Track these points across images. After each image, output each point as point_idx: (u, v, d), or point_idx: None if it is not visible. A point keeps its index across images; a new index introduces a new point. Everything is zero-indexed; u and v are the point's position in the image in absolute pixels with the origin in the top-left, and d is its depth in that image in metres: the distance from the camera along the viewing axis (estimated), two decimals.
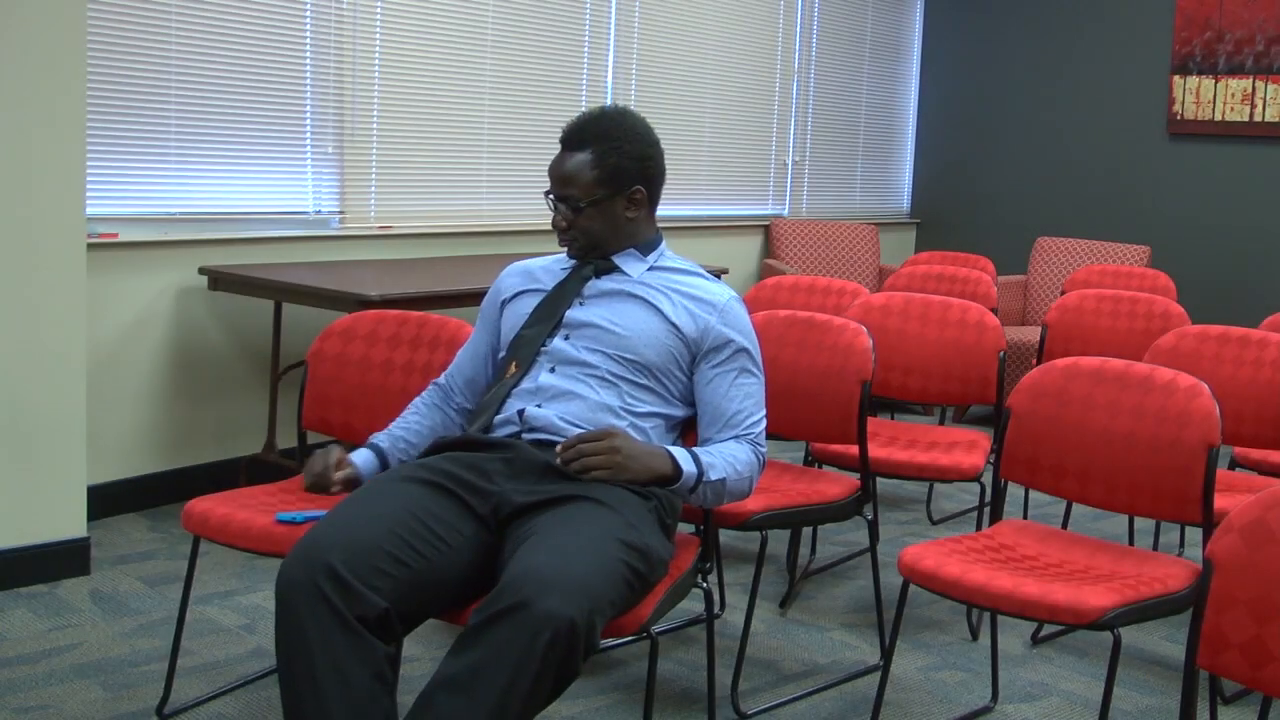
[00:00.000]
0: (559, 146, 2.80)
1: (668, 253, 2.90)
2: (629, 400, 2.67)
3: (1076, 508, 4.51)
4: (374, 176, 5.31)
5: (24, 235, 3.73)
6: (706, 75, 6.95)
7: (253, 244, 4.87)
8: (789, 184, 7.71)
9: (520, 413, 2.64)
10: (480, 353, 2.92)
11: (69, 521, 3.93)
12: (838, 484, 3.42)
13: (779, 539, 4.39)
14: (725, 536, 4.43)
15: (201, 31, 4.69)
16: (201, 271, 4.62)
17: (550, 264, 2.91)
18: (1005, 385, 3.99)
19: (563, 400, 2.65)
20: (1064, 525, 4.28)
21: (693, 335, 2.72)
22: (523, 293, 2.86)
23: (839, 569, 4.41)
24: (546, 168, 2.81)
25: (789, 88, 7.58)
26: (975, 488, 4.47)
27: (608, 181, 2.73)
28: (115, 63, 4.46)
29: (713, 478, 2.61)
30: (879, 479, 3.94)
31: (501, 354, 2.83)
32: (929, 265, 5.62)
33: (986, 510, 3.72)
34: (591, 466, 2.49)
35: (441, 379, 2.95)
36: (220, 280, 4.57)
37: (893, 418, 5.34)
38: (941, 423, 5.28)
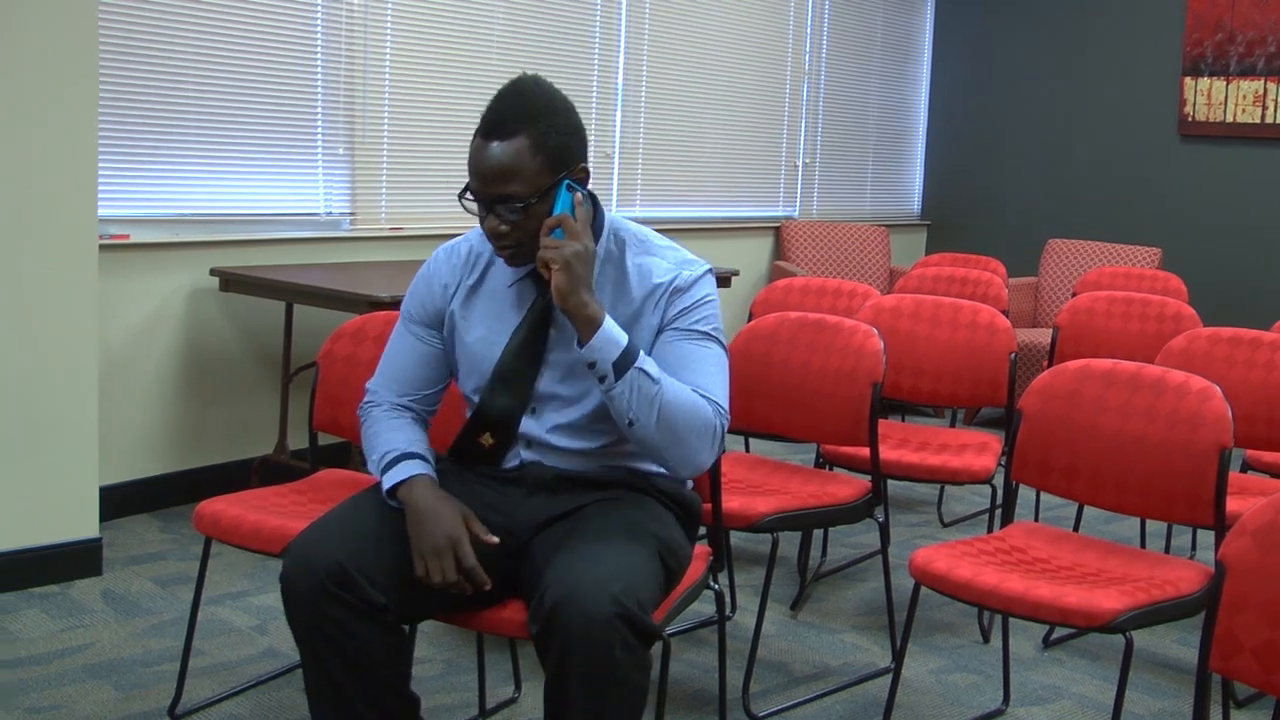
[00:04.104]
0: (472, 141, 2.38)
1: (618, 229, 2.49)
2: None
3: (1088, 510, 4.50)
4: (385, 178, 5.32)
5: (36, 237, 3.74)
6: (717, 77, 6.95)
7: (264, 245, 4.87)
8: (799, 186, 7.70)
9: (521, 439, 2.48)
10: (428, 358, 2.56)
11: (81, 522, 3.94)
12: (849, 486, 3.41)
13: (790, 541, 4.39)
14: (736, 539, 4.43)
15: (212, 33, 4.70)
16: (213, 273, 4.63)
17: (479, 242, 2.54)
18: (1016, 387, 3.98)
19: (560, 407, 2.46)
20: (1075, 528, 4.27)
21: (659, 321, 2.42)
22: (471, 295, 2.52)
23: (850, 571, 4.40)
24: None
25: (799, 89, 7.58)
26: (986, 490, 4.46)
27: (554, 166, 2.31)
28: (126, 64, 4.47)
29: (649, 372, 2.27)
30: (890, 481, 3.94)
31: (466, 378, 2.53)
32: (940, 267, 5.61)
33: (998, 513, 3.71)
34: (546, 260, 2.26)
35: (392, 399, 2.55)
36: (232, 281, 4.58)
37: (903, 420, 5.33)
38: (952, 425, 5.27)
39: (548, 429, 2.45)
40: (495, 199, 2.30)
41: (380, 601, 2.25)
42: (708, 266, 2.48)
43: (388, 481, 2.38)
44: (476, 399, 2.47)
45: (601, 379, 2.27)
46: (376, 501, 2.41)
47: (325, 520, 2.36)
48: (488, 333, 2.47)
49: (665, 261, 2.45)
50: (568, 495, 2.45)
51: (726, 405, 2.39)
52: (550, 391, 2.43)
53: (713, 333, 2.43)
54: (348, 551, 2.25)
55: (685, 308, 2.40)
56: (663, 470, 2.49)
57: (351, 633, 2.25)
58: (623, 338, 2.27)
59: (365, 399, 2.58)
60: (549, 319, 2.42)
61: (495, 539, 2.29)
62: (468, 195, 2.35)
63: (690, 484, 2.61)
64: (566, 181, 2.33)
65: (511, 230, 2.32)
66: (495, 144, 2.29)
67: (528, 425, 2.46)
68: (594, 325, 2.25)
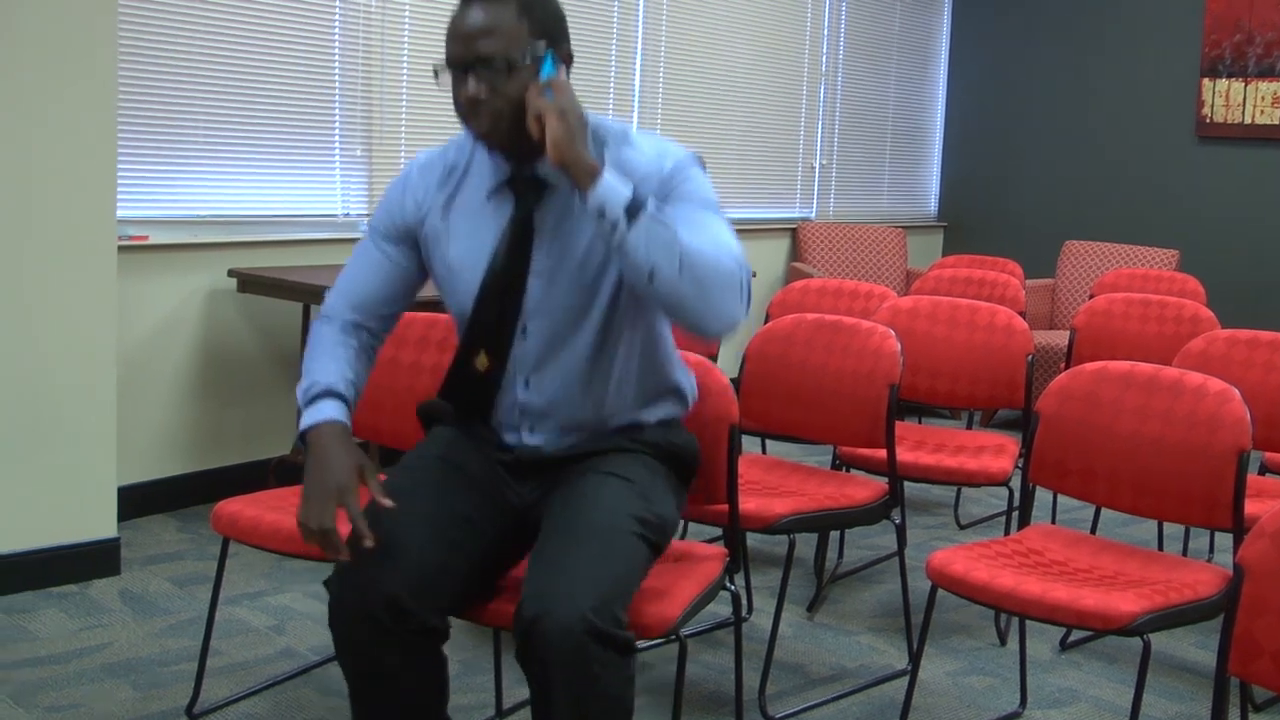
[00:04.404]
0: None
1: (597, 125, 2.33)
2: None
3: (1105, 513, 4.49)
4: None
5: (56, 238, 3.76)
6: (734, 79, 6.95)
7: (282, 246, 4.89)
8: (816, 187, 7.70)
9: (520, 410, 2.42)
10: (390, 276, 2.45)
11: (99, 522, 3.96)
12: (865, 488, 3.41)
13: (806, 542, 4.39)
14: (753, 540, 4.43)
15: (230, 34, 4.71)
16: (231, 274, 4.65)
17: (455, 153, 2.43)
18: (1033, 389, 3.97)
19: (550, 366, 2.37)
20: (1093, 530, 4.27)
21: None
22: (447, 211, 2.40)
23: (867, 573, 4.40)
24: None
25: (816, 91, 7.58)
26: (1003, 492, 4.46)
27: (540, 32, 2.21)
28: (145, 66, 4.49)
29: (662, 218, 2.13)
30: (907, 483, 3.93)
31: (446, 297, 2.44)
32: (956, 269, 5.61)
33: (1015, 515, 3.71)
34: (540, 110, 2.16)
35: (347, 316, 2.44)
36: (249, 282, 4.59)
37: (920, 421, 5.32)
38: (969, 426, 5.26)
39: (539, 394, 2.39)
40: (476, 60, 2.19)
41: (441, 626, 2.26)
42: (691, 153, 2.35)
43: (302, 423, 2.30)
44: (467, 316, 2.38)
45: (613, 228, 2.12)
46: (415, 507, 2.31)
47: (371, 556, 2.21)
48: (469, 247, 2.36)
49: (647, 152, 2.30)
50: (560, 472, 2.41)
51: (746, 260, 2.22)
52: (540, 303, 2.33)
53: (709, 201, 2.28)
54: (406, 587, 2.19)
55: (675, 186, 2.27)
56: (661, 417, 2.48)
57: (407, 665, 2.25)
58: (628, 186, 2.14)
59: (320, 312, 2.49)
60: (530, 226, 2.32)
61: (389, 502, 2.19)
62: (443, 68, 2.24)
63: (695, 444, 2.56)
64: (551, 54, 2.23)
65: (491, 97, 2.19)
66: (478, 5, 2.21)
67: (522, 395, 2.39)
68: (594, 174, 2.12)
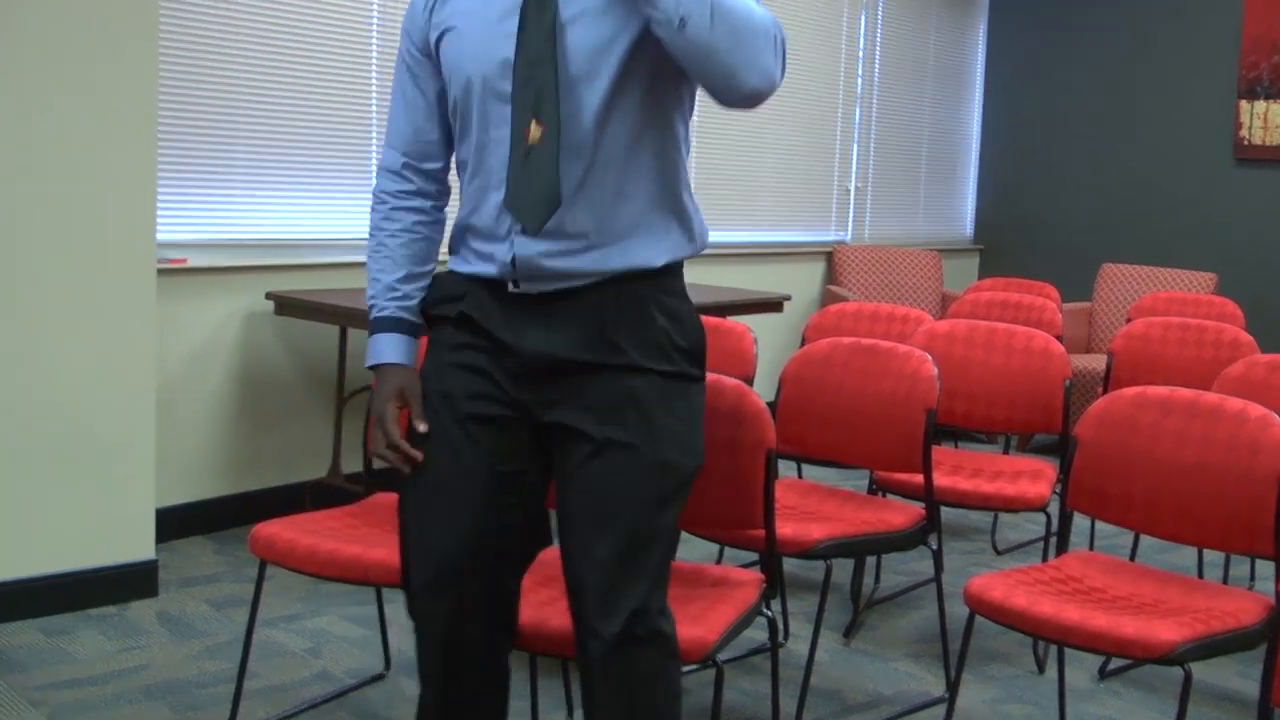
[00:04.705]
0: None
1: None
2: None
3: (1144, 539, 4.45)
4: None
5: (96, 261, 3.79)
6: (769, 102, 6.93)
7: (319, 270, 4.91)
8: (851, 210, 7.69)
9: (512, 261, 2.19)
10: (420, 104, 2.34)
11: (138, 544, 3.98)
12: (902, 513, 3.40)
13: (843, 568, 4.37)
14: (789, 565, 4.41)
15: (267, 59, 4.75)
16: (268, 296, 4.68)
17: None
18: (1071, 414, 3.95)
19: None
20: (1132, 557, 4.23)
21: None
22: (453, 21, 2.23)
23: (904, 599, 4.38)
24: None
25: (851, 113, 7.58)
26: (1040, 517, 4.43)
27: None
28: (183, 91, 4.53)
29: None
30: (943, 508, 3.92)
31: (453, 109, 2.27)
32: (993, 292, 5.59)
33: (1052, 541, 3.68)
34: None
35: (396, 163, 2.36)
36: (286, 305, 4.62)
37: (956, 445, 5.30)
38: (1006, 451, 5.24)
39: (544, 246, 2.17)
40: None
41: (513, 619, 2.32)
42: None
43: (371, 357, 2.32)
44: (487, 96, 2.19)
45: None
46: (459, 506, 2.25)
47: (434, 555, 2.23)
48: (477, 17, 2.19)
49: None
50: (564, 382, 2.21)
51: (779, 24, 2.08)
52: (573, 70, 2.11)
53: None
54: (474, 586, 2.24)
55: None
56: (668, 259, 2.24)
57: (482, 663, 2.30)
58: None
59: (375, 182, 2.40)
60: None
61: (424, 426, 2.23)
62: None
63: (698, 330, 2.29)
64: None
65: None
66: None
67: (521, 245, 2.17)
68: None
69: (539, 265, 2.17)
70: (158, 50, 3.88)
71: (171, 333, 4.51)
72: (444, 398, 2.26)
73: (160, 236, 4.15)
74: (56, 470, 3.79)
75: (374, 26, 5.05)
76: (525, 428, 2.25)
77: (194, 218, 4.64)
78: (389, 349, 2.33)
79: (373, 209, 2.40)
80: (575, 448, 2.19)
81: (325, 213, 5.01)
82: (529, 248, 2.16)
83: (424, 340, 2.36)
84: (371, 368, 2.33)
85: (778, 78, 2.06)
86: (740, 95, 2.05)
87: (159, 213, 4.02)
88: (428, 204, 2.38)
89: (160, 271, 4.23)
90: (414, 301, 2.34)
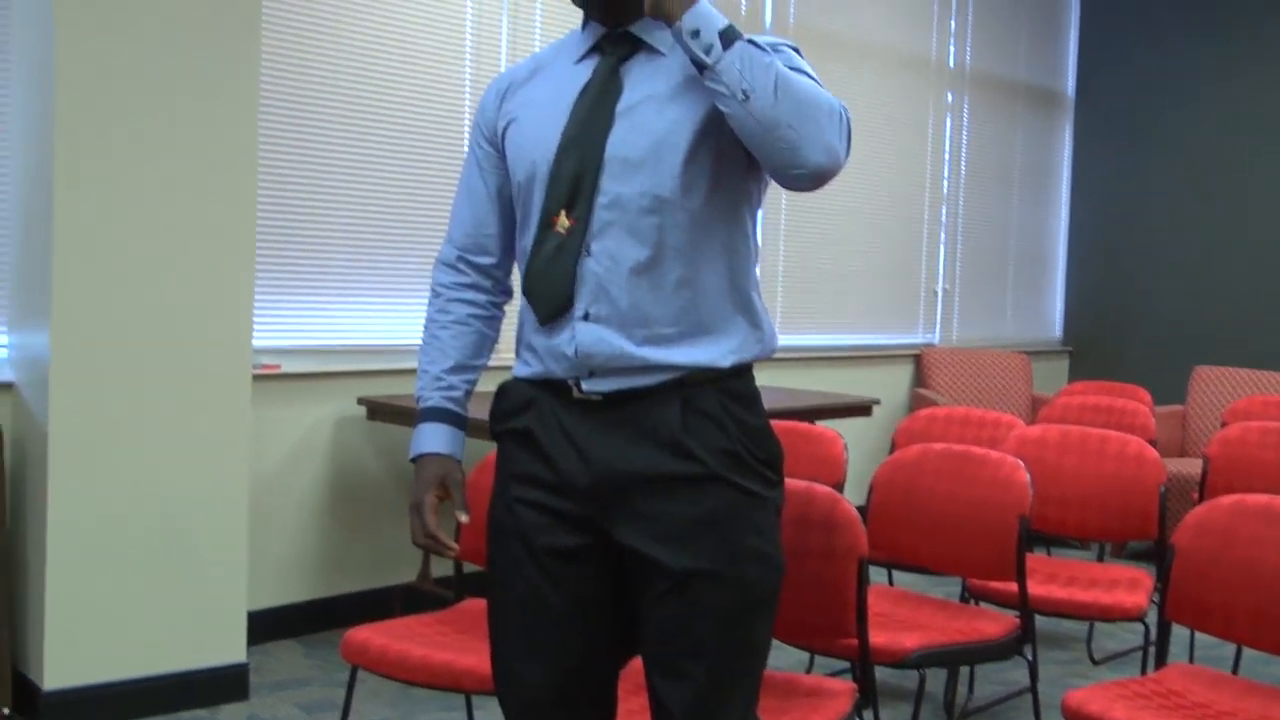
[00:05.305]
0: None
1: None
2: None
3: (1247, 650, 4.34)
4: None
5: (195, 368, 3.87)
6: (855, 203, 6.98)
7: (410, 375, 4.97)
8: (939, 312, 7.67)
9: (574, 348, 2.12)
10: (483, 197, 2.32)
11: (229, 647, 4.01)
12: (996, 622, 3.34)
13: (936, 677, 4.29)
14: (882, 674, 4.34)
15: (359, 166, 4.86)
16: (360, 402, 4.73)
17: (544, 54, 2.29)
18: (1167, 520, 3.88)
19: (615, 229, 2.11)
20: (1234, 669, 4.13)
21: None
22: (522, 87, 2.25)
23: (998, 709, 4.29)
24: None
25: (937, 214, 7.58)
26: (1138, 626, 4.33)
27: None
28: (277, 199, 4.64)
29: (759, 43, 2.02)
30: (1037, 616, 3.85)
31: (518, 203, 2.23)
32: (1084, 395, 5.53)
33: (1151, 651, 3.60)
34: None
35: (452, 255, 2.34)
36: (378, 410, 4.67)
37: (1049, 552, 5.22)
38: (1100, 558, 5.14)
39: (601, 263, 2.11)
40: None
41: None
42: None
43: (413, 448, 2.29)
44: (543, 186, 2.16)
45: (707, 50, 1.98)
46: (542, 634, 2.21)
47: (522, 685, 2.21)
48: (547, 108, 2.18)
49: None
50: (636, 498, 2.12)
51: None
52: (620, 152, 2.09)
53: (807, 72, 2.09)
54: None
55: (775, 48, 2.11)
56: (735, 360, 2.15)
57: None
58: (723, 17, 2.01)
59: (434, 274, 2.38)
60: (618, 74, 2.14)
61: (466, 517, 2.21)
62: None
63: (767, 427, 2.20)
64: None
65: None
66: None
67: (583, 331, 2.11)
68: (691, 3, 2.00)
69: (599, 354, 2.10)
70: (257, 162, 3.98)
71: (264, 437, 4.58)
72: (515, 534, 2.19)
73: (255, 342, 4.23)
74: (150, 573, 3.84)
75: (466, 131, 5.15)
76: (600, 550, 2.17)
77: (287, 323, 4.73)
78: (430, 439, 2.28)
79: (429, 303, 2.38)
80: (654, 581, 2.11)
81: (415, 318, 5.08)
82: (589, 333, 2.10)
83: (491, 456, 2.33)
84: (413, 459, 2.30)
85: (842, 156, 2.01)
86: (805, 172, 1.99)
87: (254, 318, 4.10)
88: (483, 298, 2.34)
89: (255, 377, 4.30)
90: (459, 392, 2.30)
